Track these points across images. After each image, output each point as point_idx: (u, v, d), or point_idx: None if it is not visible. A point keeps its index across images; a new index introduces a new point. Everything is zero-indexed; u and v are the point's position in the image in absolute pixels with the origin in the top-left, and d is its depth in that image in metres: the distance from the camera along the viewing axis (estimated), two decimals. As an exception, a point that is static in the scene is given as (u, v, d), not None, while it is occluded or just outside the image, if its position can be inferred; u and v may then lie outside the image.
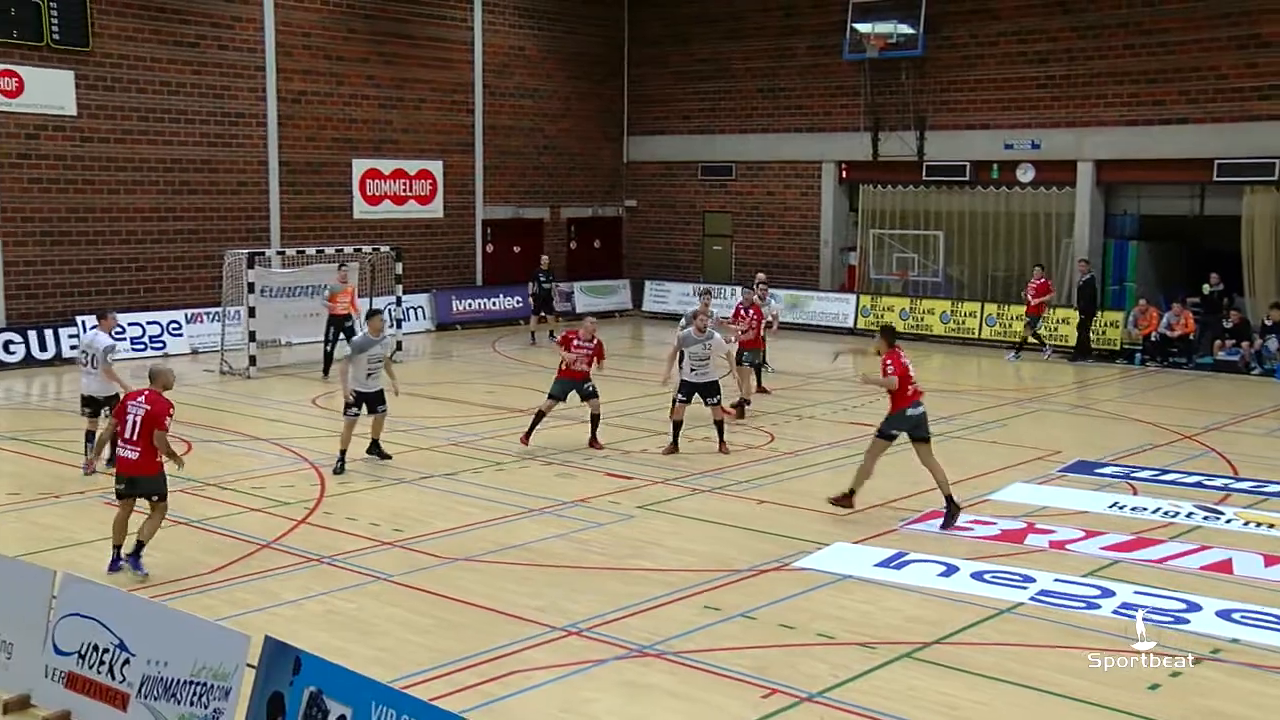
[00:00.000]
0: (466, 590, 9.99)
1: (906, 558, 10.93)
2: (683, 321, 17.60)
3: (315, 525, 11.90)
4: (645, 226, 33.08)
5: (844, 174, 29.64)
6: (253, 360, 21.15)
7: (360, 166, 27.44)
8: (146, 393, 10.39)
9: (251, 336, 21.17)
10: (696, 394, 15.22)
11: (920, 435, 11.89)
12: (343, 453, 14.04)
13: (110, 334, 14.03)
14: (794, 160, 30.17)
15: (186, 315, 23.91)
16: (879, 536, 11.67)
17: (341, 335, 20.45)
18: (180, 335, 23.67)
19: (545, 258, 27.21)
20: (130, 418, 10.24)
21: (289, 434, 16.39)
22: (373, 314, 14.63)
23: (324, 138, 26.69)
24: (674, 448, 15.19)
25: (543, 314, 26.23)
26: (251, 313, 21.02)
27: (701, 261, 31.99)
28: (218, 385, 20.40)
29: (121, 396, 11.62)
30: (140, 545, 10.30)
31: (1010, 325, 26.26)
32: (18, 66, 22.07)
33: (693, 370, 15.31)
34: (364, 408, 14.18)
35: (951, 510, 11.91)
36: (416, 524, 11.98)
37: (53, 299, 22.82)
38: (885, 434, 12.01)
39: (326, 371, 20.78)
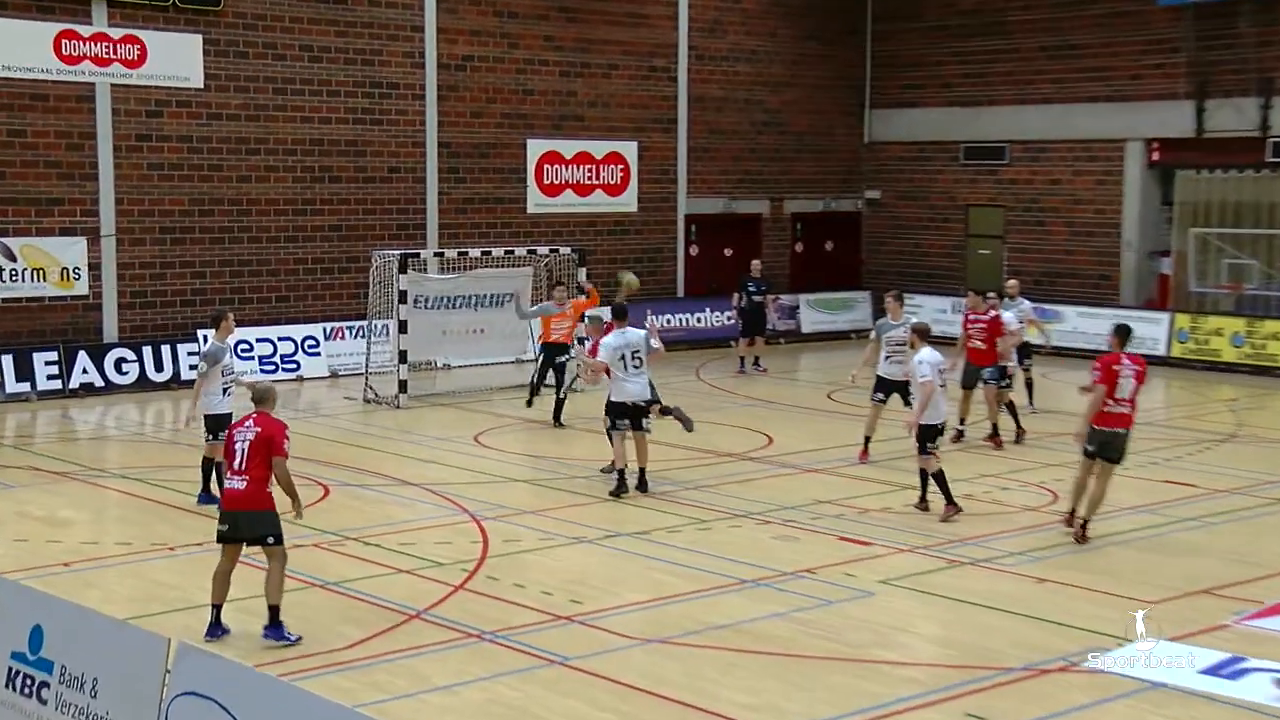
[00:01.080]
0: (660, 680, 9.95)
1: (1244, 664, 10.43)
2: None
3: (475, 592, 12.03)
4: (891, 224, 32.70)
5: (1155, 155, 28.72)
6: (403, 386, 21.70)
7: (536, 149, 28.00)
8: (254, 416, 10.76)
9: (402, 357, 21.74)
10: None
11: (1109, 456, 13.65)
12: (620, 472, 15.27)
13: (225, 342, 14.92)
14: (1088, 138, 29.38)
15: (325, 330, 24.79)
16: (1205, 633, 11.12)
17: (552, 369, 20.67)
18: (317, 354, 24.55)
19: (757, 263, 27.10)
20: (239, 446, 10.62)
21: (446, 478, 16.64)
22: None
23: (493, 114, 27.34)
24: (923, 502, 14.95)
25: (752, 336, 26.09)
26: (403, 328, 21.59)
27: (963, 268, 31.40)
28: (361, 416, 21.02)
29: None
30: (274, 610, 10.61)
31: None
32: (140, 31, 23.37)
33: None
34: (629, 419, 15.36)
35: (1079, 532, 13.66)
36: (599, 594, 12.01)
37: (171, 308, 24.01)
38: (1084, 451, 13.69)
39: (530, 402, 21.16)
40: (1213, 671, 10.29)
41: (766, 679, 10.02)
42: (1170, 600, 11.97)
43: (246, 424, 10.72)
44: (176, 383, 23.03)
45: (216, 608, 10.71)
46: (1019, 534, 14.36)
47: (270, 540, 10.61)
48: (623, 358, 15.56)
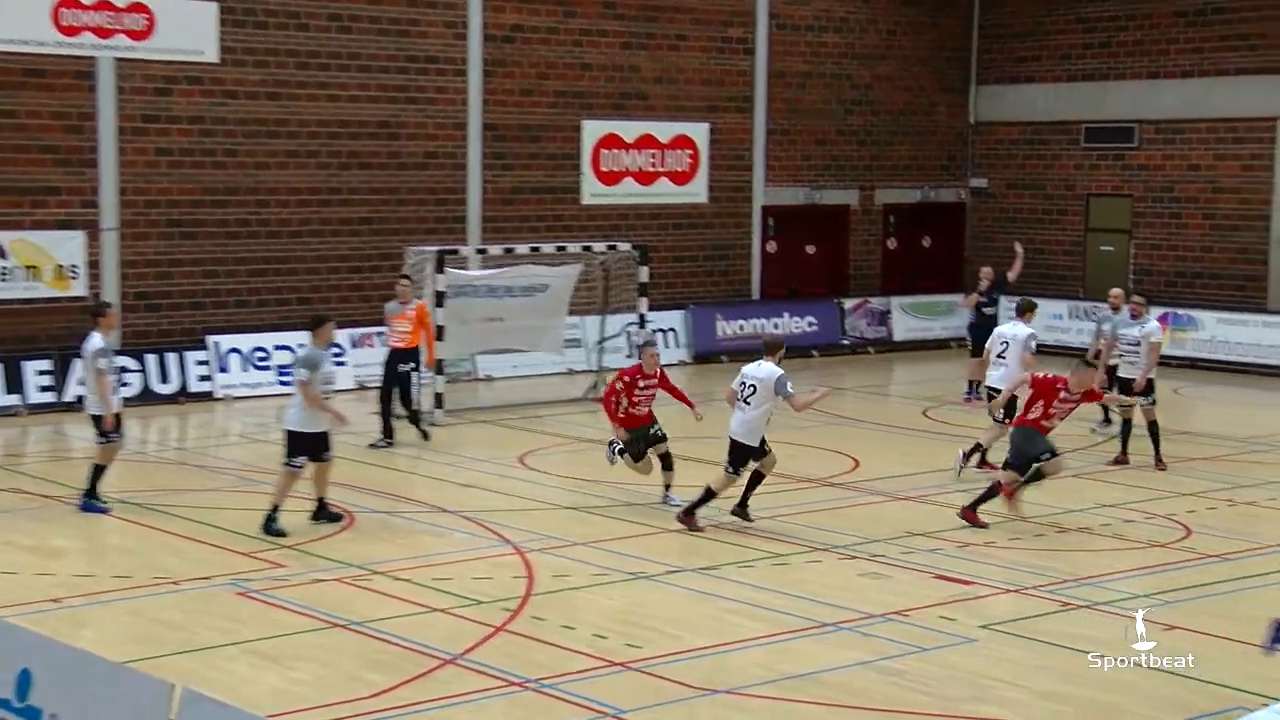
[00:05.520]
0: (728, 737, 9.98)
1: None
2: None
3: (519, 634, 12.05)
4: (1000, 217, 32.53)
5: (1310, 136, 28.45)
6: (439, 400, 21.83)
7: (594, 131, 28.09)
8: None
9: (439, 368, 21.90)
10: None
11: None
12: (274, 510, 15.01)
13: (104, 338, 15.85)
14: (1233, 117, 29.15)
15: (352, 338, 24.90)
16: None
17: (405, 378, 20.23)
18: (343, 364, 24.66)
19: (988, 270, 25.13)
20: None
21: (487, 505, 16.69)
22: (322, 321, 15.72)
23: (544, 91, 27.46)
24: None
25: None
26: (439, 334, 21.75)
27: (1083, 268, 31.13)
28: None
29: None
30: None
31: None
32: (148, -1, 23.68)
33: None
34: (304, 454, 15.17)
35: None
36: (660, 638, 12.00)
37: (179, 311, 24.29)
38: None
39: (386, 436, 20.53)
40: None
41: (849, 736, 10.00)
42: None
43: None
44: (184, 395, 23.26)
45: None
46: (1145, 574, 14.22)
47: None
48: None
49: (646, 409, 16.35)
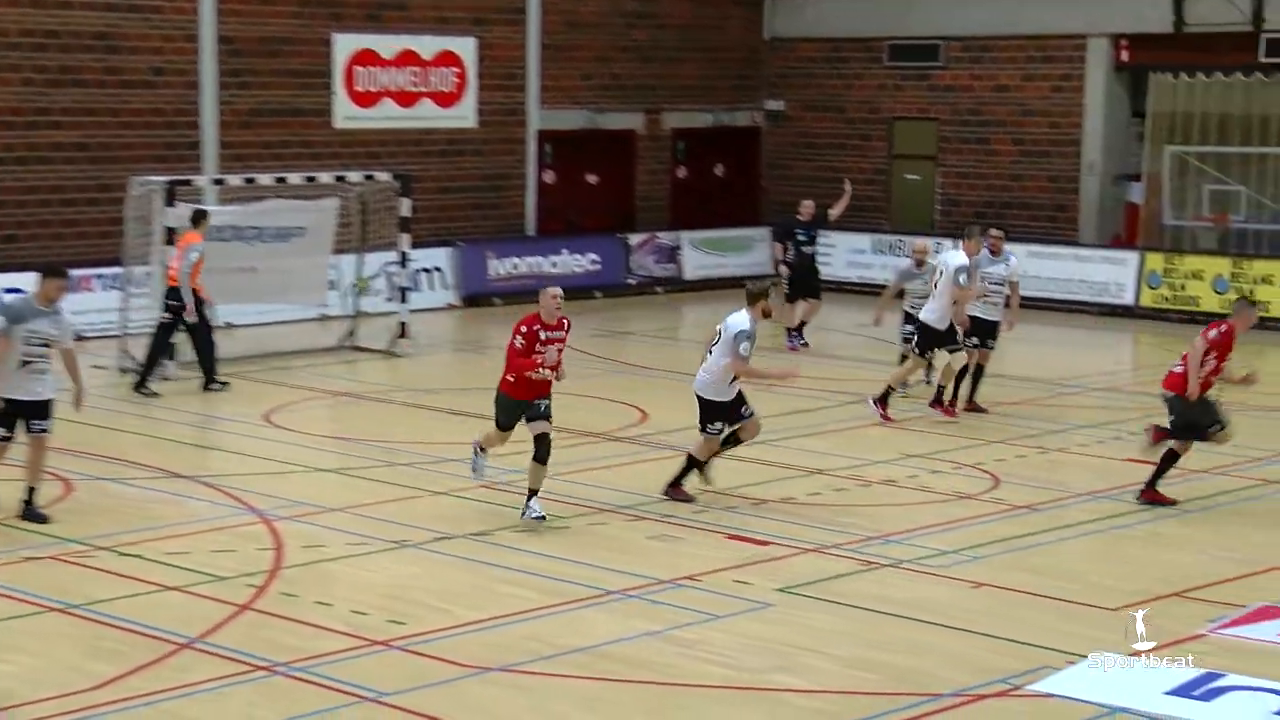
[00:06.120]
0: (504, 718, 9.95)
1: (1222, 681, 10.68)
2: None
3: (266, 613, 11.89)
4: (798, 142, 32.92)
5: (1124, 56, 29.25)
6: (170, 351, 21.40)
7: (346, 46, 27.77)
8: None
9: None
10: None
11: None
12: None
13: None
14: (1042, 34, 29.85)
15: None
16: (1174, 645, 11.33)
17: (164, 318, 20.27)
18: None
19: (809, 204, 25.06)
20: None
21: (229, 468, 16.46)
22: (54, 272, 14.48)
23: (288, 0, 27.03)
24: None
25: (804, 297, 24.36)
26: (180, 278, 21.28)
27: (888, 198, 31.66)
28: (116, 390, 20.67)
29: None
30: None
31: None
32: None
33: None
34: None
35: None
36: (426, 612, 11.94)
37: None
38: None
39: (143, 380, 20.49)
40: (1183, 692, 10.51)
41: (636, 715, 10.04)
42: (1134, 606, 12.15)
43: None
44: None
45: None
46: (952, 528, 14.49)
47: None
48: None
49: (549, 373, 14.18)
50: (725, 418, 14.86)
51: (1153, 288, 27.99)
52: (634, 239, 30.78)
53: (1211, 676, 10.74)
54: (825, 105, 32.51)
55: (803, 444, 17.61)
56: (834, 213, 25.07)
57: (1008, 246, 19.76)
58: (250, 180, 23.52)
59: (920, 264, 20.27)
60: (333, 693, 10.32)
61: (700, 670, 10.82)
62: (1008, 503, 15.38)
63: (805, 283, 24.38)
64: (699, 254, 31.54)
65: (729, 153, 33.07)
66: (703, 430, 14.92)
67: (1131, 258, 28.40)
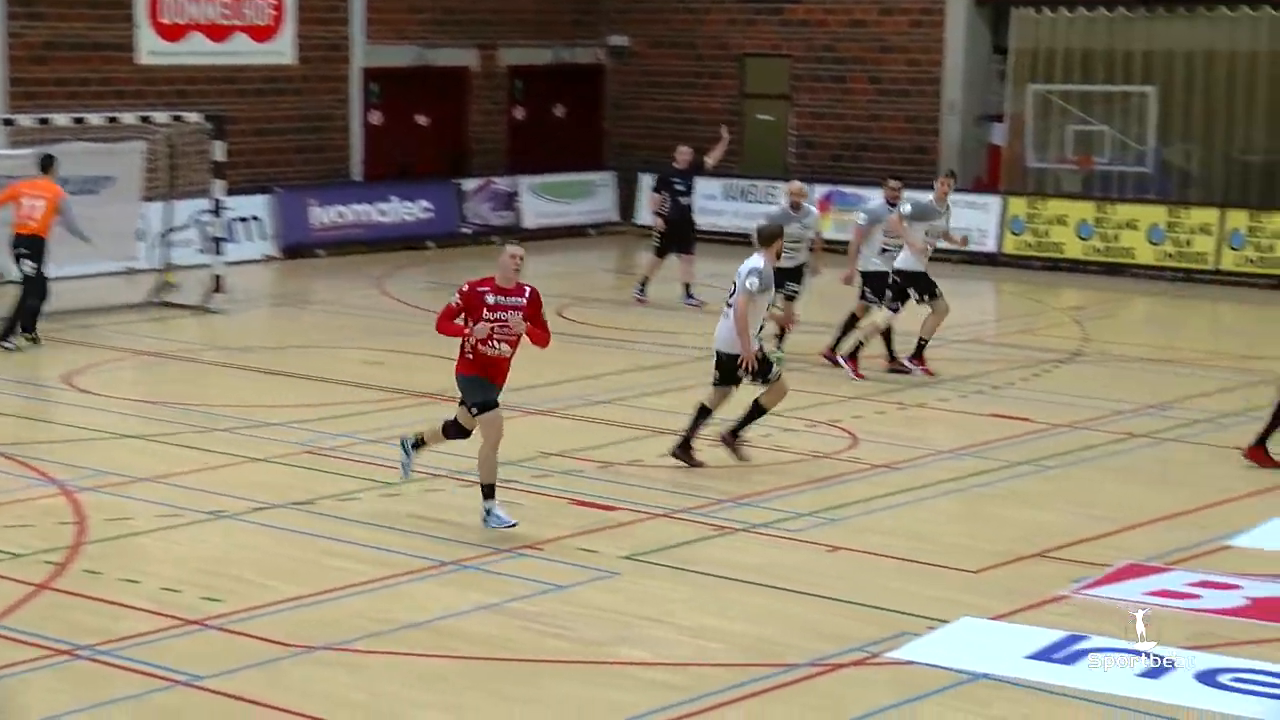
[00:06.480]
0: (331, 700, 9.90)
1: (1084, 644, 10.92)
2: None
3: (67, 593, 11.77)
4: (643, 81, 32.98)
5: (986, -12, 29.61)
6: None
7: (149, -26, 27.38)
8: None
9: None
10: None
11: None
12: None
13: None
14: (899, -35, 30.12)
15: None
16: (1035, 608, 11.62)
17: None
18: None
19: (685, 150, 24.81)
20: None
21: (23, 435, 16.29)
22: None
23: (84, -79, 26.64)
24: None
25: (679, 251, 24.25)
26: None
27: (740, 140, 31.90)
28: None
29: None
30: None
31: (1276, 249, 26.27)
32: None
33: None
34: None
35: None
36: (245, 588, 11.87)
37: None
38: None
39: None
40: (1044, 655, 10.73)
41: (473, 692, 10.06)
42: (995, 568, 12.41)
43: None
44: None
45: None
46: (807, 489, 14.67)
47: None
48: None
49: (504, 348, 12.98)
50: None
51: (1015, 234, 28.41)
52: (469, 185, 30.73)
53: (1075, 639, 10.98)
54: (673, 41, 32.58)
55: (651, 402, 17.71)
56: (710, 160, 25.13)
57: (863, 192, 19.91)
58: (44, 121, 23.12)
59: (796, 206, 19.87)
60: (143, 677, 10.23)
61: (541, 644, 10.87)
62: (866, 462, 15.61)
63: (680, 235, 24.27)
64: (539, 200, 31.56)
65: (570, 92, 33.08)
66: (719, 383, 15.12)
67: (993, 202, 28.80)
